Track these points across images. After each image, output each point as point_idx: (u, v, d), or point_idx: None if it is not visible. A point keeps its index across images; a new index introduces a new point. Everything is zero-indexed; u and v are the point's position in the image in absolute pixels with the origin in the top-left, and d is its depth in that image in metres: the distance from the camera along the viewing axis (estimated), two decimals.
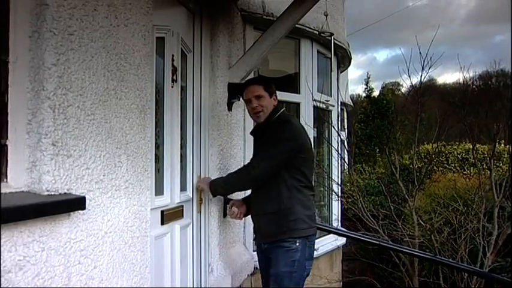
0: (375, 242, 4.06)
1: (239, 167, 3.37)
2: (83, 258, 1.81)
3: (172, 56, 2.89)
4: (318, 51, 5.29)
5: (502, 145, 9.55)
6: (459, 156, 10.56)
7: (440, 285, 4.99)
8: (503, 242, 4.90)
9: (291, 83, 5.15)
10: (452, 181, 6.74)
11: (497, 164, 8.30)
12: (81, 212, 1.78)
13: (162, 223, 2.79)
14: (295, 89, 5.06)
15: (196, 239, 3.31)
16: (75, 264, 1.76)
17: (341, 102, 6.57)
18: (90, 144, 1.86)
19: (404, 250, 4.21)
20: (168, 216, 2.87)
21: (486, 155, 9.81)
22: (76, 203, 1.74)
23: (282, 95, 4.08)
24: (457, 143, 11.13)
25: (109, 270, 1.96)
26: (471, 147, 10.82)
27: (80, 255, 1.78)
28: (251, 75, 4.23)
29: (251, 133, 3.25)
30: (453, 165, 10.13)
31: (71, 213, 1.74)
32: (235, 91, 3.62)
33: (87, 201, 1.79)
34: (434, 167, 8.88)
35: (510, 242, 4.95)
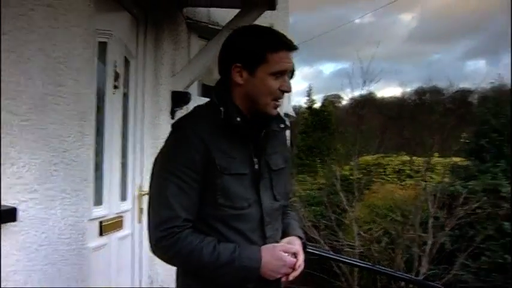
0: (315, 252, 4.09)
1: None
2: (13, 274, 1.69)
3: (115, 61, 2.80)
4: None
5: (436, 157, 9.97)
6: (396, 167, 10.92)
7: None
8: (437, 251, 5.08)
9: None
10: (390, 192, 6.94)
11: (430, 176, 8.64)
12: (12, 224, 1.67)
13: (101, 234, 2.68)
14: None
15: (137, 250, 3.21)
16: (4, 281, 1.65)
17: (284, 114, 6.63)
18: (24, 151, 1.75)
19: (344, 260, 4.27)
20: (107, 227, 2.77)
21: (421, 167, 10.22)
22: (6, 215, 1.63)
23: None
24: (395, 155, 11.52)
25: (42, 285, 1.86)
26: (408, 158, 11.27)
27: (10, 271, 1.67)
28: (195, 85, 4.19)
29: (240, 131, 1.63)
30: (391, 176, 10.45)
31: (1, 225, 1.62)
32: (179, 99, 3.57)
33: (19, 213, 1.68)
34: (373, 178, 9.13)
35: (443, 250, 5.14)
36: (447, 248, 5.16)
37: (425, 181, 6.21)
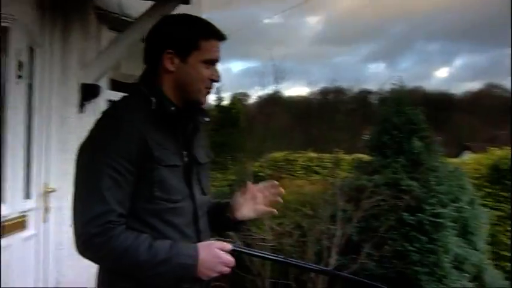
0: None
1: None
2: None
3: (18, 49, 2.62)
4: None
5: (342, 154, 10.42)
6: (304, 164, 11.26)
7: (290, 285, 5.25)
8: (345, 242, 5.32)
9: None
10: (300, 187, 7.14)
11: (337, 171, 9.01)
12: None
13: (1, 236, 2.50)
14: None
15: (42, 252, 3.03)
16: None
17: None
18: None
19: (257, 254, 4.31)
20: (8, 227, 2.59)
21: (328, 163, 10.63)
22: None
23: None
24: (302, 152, 11.89)
25: None
26: (315, 155, 11.69)
27: None
28: (104, 79, 4.03)
29: (173, 122, 1.61)
30: (299, 172, 10.76)
31: None
32: (88, 92, 3.42)
33: None
34: (283, 175, 9.36)
35: (351, 241, 5.39)
36: (354, 239, 5.41)
37: (333, 176, 6.47)
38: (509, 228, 9.20)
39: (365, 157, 7.07)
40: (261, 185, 1.78)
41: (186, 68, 1.58)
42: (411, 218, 5.37)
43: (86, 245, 1.43)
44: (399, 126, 6.05)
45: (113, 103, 1.66)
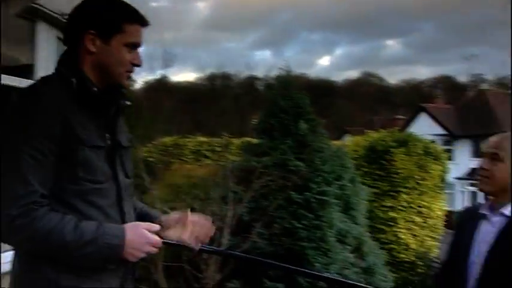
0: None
1: None
2: None
3: None
4: (60, 39, 4.92)
5: (231, 138, 10.61)
6: (194, 148, 11.29)
7: (183, 267, 5.28)
8: (236, 222, 5.45)
9: (26, 74, 4.63)
10: (190, 171, 7.16)
11: (227, 155, 9.15)
12: None
13: None
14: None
15: None
16: None
17: None
18: None
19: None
20: None
21: (218, 147, 10.75)
22: None
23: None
24: (192, 137, 11.89)
25: None
26: (205, 140, 11.76)
27: None
28: None
29: (95, 103, 1.57)
30: (189, 157, 10.77)
31: None
32: None
33: None
34: (172, 159, 9.30)
35: (242, 221, 5.54)
36: (245, 219, 5.57)
37: (223, 160, 6.57)
38: (384, 204, 10.05)
39: (254, 140, 7.27)
40: (197, 217, 1.75)
41: (108, 49, 1.54)
42: (299, 196, 5.64)
43: (8, 227, 1.35)
44: (286, 110, 6.30)
45: (32, 84, 1.57)
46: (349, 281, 4.94)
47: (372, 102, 60.93)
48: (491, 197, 2.23)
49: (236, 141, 10.26)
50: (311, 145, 5.98)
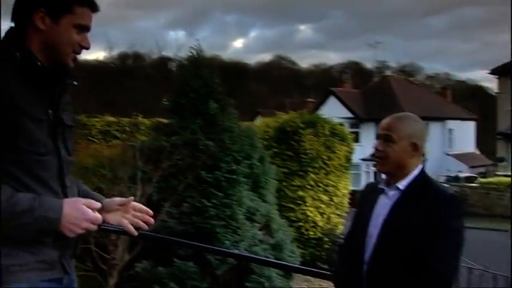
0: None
1: None
2: None
3: None
4: None
5: (140, 118, 10.40)
6: (102, 128, 10.95)
7: (90, 249, 5.15)
8: (146, 202, 5.38)
9: None
10: (98, 151, 6.95)
11: (137, 135, 8.97)
12: None
13: None
14: None
15: None
16: None
17: None
18: None
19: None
20: None
21: (127, 127, 10.49)
22: None
23: None
24: (100, 116, 11.51)
25: None
26: (114, 120, 11.42)
27: None
28: None
29: (39, 77, 1.57)
30: (97, 137, 10.43)
31: None
32: None
33: None
34: (79, 139, 8.96)
35: (151, 201, 5.48)
36: (154, 198, 5.52)
37: (132, 140, 6.44)
38: (293, 183, 10.38)
39: (164, 121, 7.18)
40: (139, 205, 1.77)
41: (57, 29, 1.55)
42: (208, 175, 5.68)
43: None
44: (196, 89, 6.28)
45: None
46: (257, 257, 5.09)
47: (284, 85, 62.22)
48: (390, 175, 2.39)
49: (147, 121, 10.08)
50: (221, 124, 6.02)
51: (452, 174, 29.24)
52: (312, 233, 10.34)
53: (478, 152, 38.56)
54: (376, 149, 2.34)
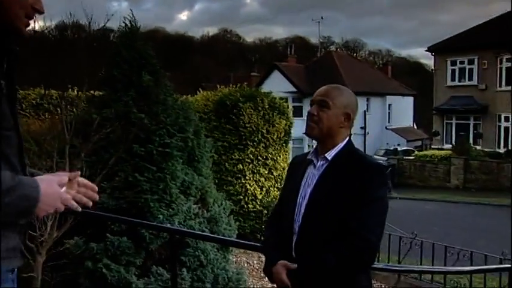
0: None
1: None
2: None
3: None
4: None
5: (74, 92, 10.04)
6: (34, 102, 10.50)
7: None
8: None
9: None
10: (27, 125, 6.65)
11: (69, 108, 8.66)
12: None
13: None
14: None
15: None
16: None
17: None
18: None
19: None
20: None
21: (59, 101, 10.09)
22: None
23: None
24: (31, 89, 11.02)
25: None
26: (47, 92, 10.92)
27: None
28: None
29: None
30: (28, 110, 9.99)
31: None
32: None
33: None
34: None
35: (81, 175, 5.32)
36: (85, 173, 5.36)
37: (64, 113, 6.19)
38: (232, 157, 10.39)
39: (97, 93, 6.95)
40: (83, 180, 1.70)
41: None
42: (141, 149, 5.57)
43: None
44: (129, 61, 6.10)
45: None
46: (188, 230, 5.09)
47: (229, 59, 61.79)
48: (318, 143, 2.41)
49: (81, 94, 9.73)
50: (154, 97, 5.89)
51: (391, 148, 30.27)
52: (251, 206, 10.45)
53: (415, 127, 40.07)
54: (311, 114, 2.36)
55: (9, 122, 1.43)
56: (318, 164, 2.40)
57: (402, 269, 6.52)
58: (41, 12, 1.50)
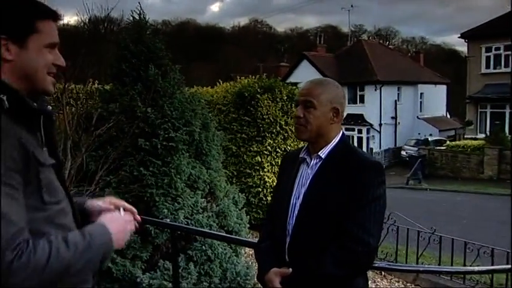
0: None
1: None
2: None
3: None
4: None
5: (95, 85, 10.15)
6: (54, 95, 10.65)
7: None
8: (80, 171, 5.26)
9: None
10: None
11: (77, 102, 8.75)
12: None
13: None
14: None
15: None
16: None
17: None
18: None
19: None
20: None
21: (82, 94, 10.20)
22: None
23: None
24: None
25: None
26: (69, 86, 11.08)
27: None
28: None
29: (34, 117, 1.53)
30: (51, 104, 10.17)
31: None
32: None
33: None
34: None
35: (88, 170, 5.35)
36: (91, 167, 5.39)
37: (64, 109, 6.20)
38: (251, 149, 10.31)
39: (106, 86, 6.96)
40: (126, 205, 1.78)
41: (28, 54, 1.37)
42: (146, 143, 5.54)
43: (7, 273, 1.24)
44: (137, 55, 6.07)
45: None
46: (182, 225, 5.02)
47: (259, 49, 61.60)
48: (310, 144, 2.30)
49: (102, 88, 9.80)
50: (161, 91, 5.85)
51: (422, 138, 29.64)
52: (270, 198, 10.35)
53: (448, 116, 39.09)
54: (296, 116, 2.26)
55: (61, 193, 1.47)
56: (312, 162, 2.30)
57: (420, 269, 6.28)
58: (62, 68, 1.51)
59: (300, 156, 2.34)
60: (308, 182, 2.23)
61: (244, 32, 72.02)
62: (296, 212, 2.21)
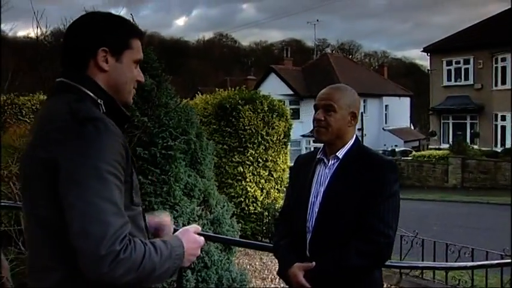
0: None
1: None
2: None
3: None
4: None
5: None
6: (34, 107, 10.54)
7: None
8: None
9: None
10: (28, 131, 6.68)
11: None
12: None
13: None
14: None
15: None
16: None
17: None
18: None
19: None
20: None
21: None
22: None
23: None
24: (31, 95, 11.06)
25: None
26: (43, 97, 10.97)
27: None
28: None
29: (125, 122, 1.71)
30: (29, 116, 10.03)
31: None
32: None
33: None
34: (8, 119, 8.59)
35: None
36: None
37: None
38: (233, 159, 10.43)
39: None
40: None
41: (120, 67, 1.52)
42: (144, 152, 5.60)
43: (114, 264, 1.27)
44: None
45: (73, 107, 1.40)
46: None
47: (225, 63, 61.92)
48: (328, 145, 2.45)
49: None
50: (156, 100, 5.93)
51: (389, 149, 30.40)
52: (252, 208, 10.48)
53: (412, 127, 40.24)
54: (318, 119, 2.40)
55: (139, 197, 1.55)
56: (329, 163, 2.43)
57: (404, 265, 6.57)
58: (142, 83, 1.67)
59: (317, 157, 2.49)
60: (327, 181, 2.38)
61: (209, 46, 72.23)
62: (316, 209, 2.35)
